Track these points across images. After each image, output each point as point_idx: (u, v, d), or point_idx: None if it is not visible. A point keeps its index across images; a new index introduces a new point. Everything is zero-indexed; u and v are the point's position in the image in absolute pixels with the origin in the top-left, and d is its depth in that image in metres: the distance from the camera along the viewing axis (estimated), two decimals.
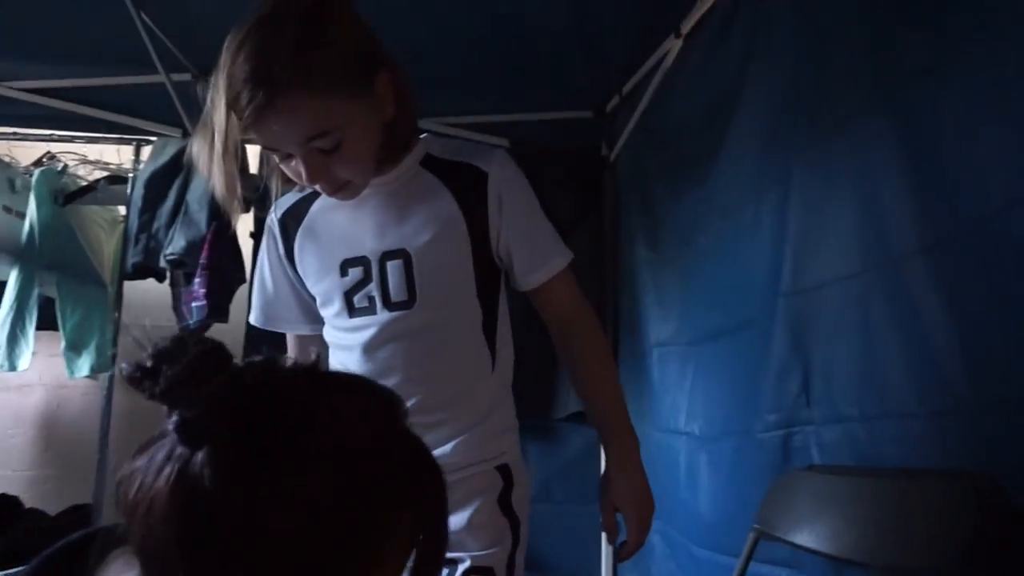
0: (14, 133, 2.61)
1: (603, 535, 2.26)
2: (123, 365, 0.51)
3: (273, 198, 1.07)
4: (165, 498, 0.49)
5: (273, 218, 1.09)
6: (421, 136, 1.05)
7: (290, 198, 1.08)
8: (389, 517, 0.55)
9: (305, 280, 1.07)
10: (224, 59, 0.86)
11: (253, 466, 0.50)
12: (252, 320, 1.14)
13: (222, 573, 0.50)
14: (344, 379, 0.61)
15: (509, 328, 1.08)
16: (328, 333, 1.07)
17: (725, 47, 1.69)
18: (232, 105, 0.85)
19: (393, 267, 0.99)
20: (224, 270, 2.36)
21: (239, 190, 0.93)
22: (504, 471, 1.03)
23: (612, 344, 2.34)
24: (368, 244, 1.01)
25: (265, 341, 0.64)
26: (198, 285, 2.30)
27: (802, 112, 1.36)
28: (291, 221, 1.07)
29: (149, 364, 0.50)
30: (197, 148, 0.90)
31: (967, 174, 0.97)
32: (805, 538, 1.10)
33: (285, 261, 1.08)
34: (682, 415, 1.74)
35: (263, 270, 1.12)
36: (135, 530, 0.51)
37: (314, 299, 1.08)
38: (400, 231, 1.00)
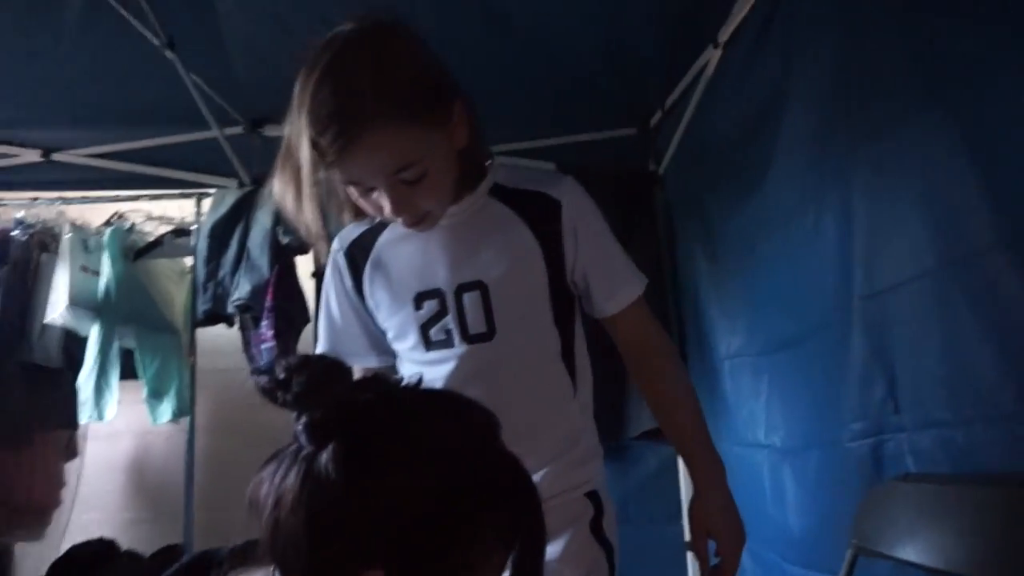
0: (84, 197, 2.73)
1: (688, 555, 2.21)
2: (257, 378, 0.60)
3: (347, 223, 1.05)
4: (294, 492, 0.57)
5: (338, 249, 1.07)
6: (486, 164, 1.04)
7: (353, 230, 1.06)
8: (485, 519, 0.61)
9: (376, 314, 1.05)
10: (301, 98, 0.85)
11: (371, 462, 0.58)
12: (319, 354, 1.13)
13: (342, 556, 0.57)
14: (447, 394, 0.71)
15: (586, 352, 1.07)
16: (404, 367, 1.06)
17: (766, 52, 1.66)
18: (316, 143, 0.84)
19: (470, 299, 0.98)
20: (289, 311, 2.41)
21: (324, 228, 0.94)
22: (593, 497, 1.02)
23: (681, 358, 2.29)
24: (442, 276, 1.00)
25: None
26: (266, 327, 2.36)
27: (854, 109, 1.32)
28: (358, 253, 1.05)
29: (281, 376, 0.59)
30: (280, 190, 0.90)
31: None
32: (908, 552, 1.05)
33: (353, 294, 1.06)
34: (761, 428, 1.69)
35: (329, 304, 1.10)
36: (264, 526, 0.59)
37: (383, 332, 1.07)
38: (475, 262, 0.99)
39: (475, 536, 0.61)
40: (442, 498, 0.59)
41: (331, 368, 0.62)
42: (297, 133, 0.86)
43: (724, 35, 1.81)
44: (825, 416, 1.41)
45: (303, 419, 0.59)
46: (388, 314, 1.04)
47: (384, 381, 0.65)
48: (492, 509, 0.62)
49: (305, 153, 0.85)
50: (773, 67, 1.62)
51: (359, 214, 1.00)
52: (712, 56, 1.89)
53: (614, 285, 1.04)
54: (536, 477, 0.97)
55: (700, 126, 2.09)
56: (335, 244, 1.07)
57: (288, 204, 0.90)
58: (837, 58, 1.37)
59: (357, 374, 1.12)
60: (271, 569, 0.63)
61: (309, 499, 0.57)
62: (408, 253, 1.02)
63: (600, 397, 1.08)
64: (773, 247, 1.65)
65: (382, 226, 1.04)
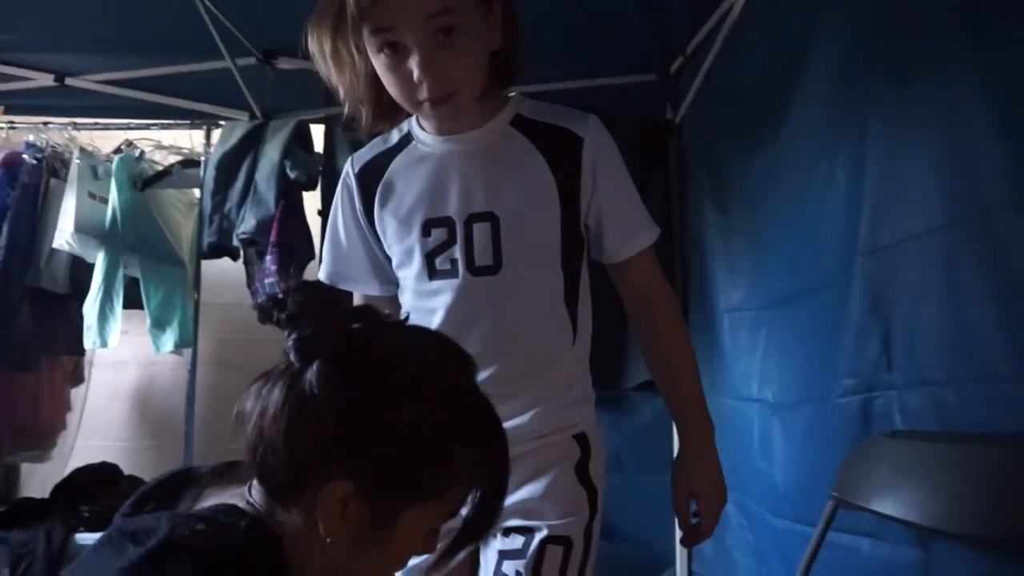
0: (95, 123, 2.73)
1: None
2: (259, 298, 0.65)
3: (362, 127, 1.00)
4: (278, 402, 0.62)
5: (350, 171, 1.04)
6: (511, 95, 1.01)
7: (367, 152, 1.04)
8: (452, 450, 0.65)
9: (383, 238, 1.03)
10: None
11: (352, 383, 0.63)
12: (321, 277, 1.07)
13: (315, 465, 0.62)
14: (428, 332, 0.75)
15: (589, 300, 1.05)
16: (404, 296, 1.03)
17: None
18: None
19: (479, 230, 0.96)
20: (294, 247, 2.42)
21: (363, 87, 0.93)
22: (581, 440, 1.01)
23: (683, 312, 2.29)
24: (453, 204, 0.97)
25: None
26: (269, 262, 2.36)
27: (878, 59, 1.28)
28: (371, 175, 1.03)
29: (280, 296, 0.64)
30: (315, 47, 0.91)
31: None
32: (888, 506, 1.05)
33: (363, 217, 1.04)
34: (755, 382, 1.69)
35: (336, 225, 1.07)
36: (248, 435, 0.64)
37: (389, 259, 1.04)
38: (488, 193, 0.97)
39: (441, 465, 0.65)
40: (415, 426, 0.63)
41: (325, 293, 0.70)
42: None
43: None
44: (818, 372, 1.40)
45: (293, 336, 0.63)
46: (395, 239, 1.01)
47: (374, 312, 0.69)
48: (460, 443, 0.66)
49: None
50: (800, 10, 1.56)
51: (379, 115, 0.98)
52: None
53: (629, 230, 1.02)
54: (525, 417, 0.96)
55: (720, 73, 2.04)
56: (347, 166, 1.05)
57: (321, 62, 0.91)
58: (866, 5, 1.32)
59: (357, 300, 1.10)
60: (247, 487, 0.67)
61: (290, 409, 0.62)
62: (421, 177, 0.99)
63: (599, 345, 1.07)
64: (782, 200, 1.62)
65: (397, 149, 1.02)
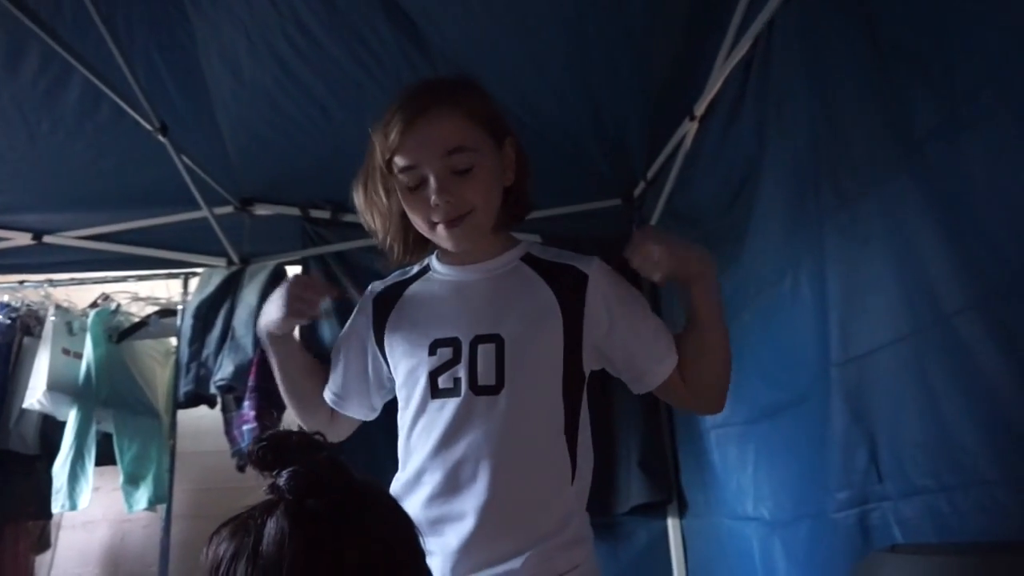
0: (71, 279, 2.75)
1: None
2: (238, 446, 0.68)
3: (393, 261, 1.10)
4: (283, 530, 0.63)
5: (369, 295, 1.12)
6: (520, 240, 1.10)
7: (388, 280, 1.12)
8: None
9: (390, 358, 1.07)
10: (389, 108, 1.00)
11: (350, 511, 0.67)
12: (325, 395, 1.13)
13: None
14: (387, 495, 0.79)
15: (590, 443, 1.05)
16: (405, 414, 1.04)
17: (739, 124, 1.71)
18: (387, 126, 0.98)
19: (484, 351, 0.99)
20: (272, 391, 2.37)
21: (393, 226, 1.04)
22: None
23: (668, 430, 2.27)
24: (462, 326, 1.02)
25: None
26: (247, 408, 2.32)
27: (825, 178, 1.35)
28: (388, 298, 1.10)
29: (270, 441, 0.67)
30: (356, 198, 1.05)
31: (1006, 224, 0.94)
32: None
33: (373, 337, 1.09)
34: (749, 500, 1.66)
35: (348, 343, 1.12)
36: (239, 570, 0.64)
37: (391, 382, 1.08)
38: (496, 317, 1.01)
39: None
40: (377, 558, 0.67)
41: (314, 439, 0.71)
42: (377, 135, 1.00)
43: (700, 109, 1.86)
44: (811, 486, 1.38)
45: (287, 472, 0.66)
46: (402, 358, 1.04)
47: (344, 466, 0.72)
48: None
49: (377, 140, 0.99)
50: (747, 138, 1.66)
51: (407, 251, 1.07)
52: (689, 129, 1.95)
53: (666, 346, 1.06)
54: (517, 562, 0.94)
55: (681, 196, 2.13)
56: (367, 291, 1.13)
57: (361, 210, 1.05)
58: (807, 130, 1.41)
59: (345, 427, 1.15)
60: None
61: (299, 534, 0.63)
62: (433, 301, 1.06)
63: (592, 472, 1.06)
64: (753, 315, 1.65)
65: (415, 279, 1.10)
